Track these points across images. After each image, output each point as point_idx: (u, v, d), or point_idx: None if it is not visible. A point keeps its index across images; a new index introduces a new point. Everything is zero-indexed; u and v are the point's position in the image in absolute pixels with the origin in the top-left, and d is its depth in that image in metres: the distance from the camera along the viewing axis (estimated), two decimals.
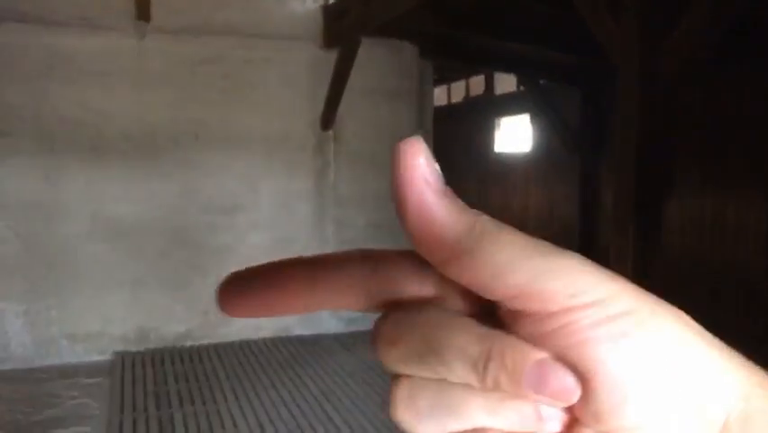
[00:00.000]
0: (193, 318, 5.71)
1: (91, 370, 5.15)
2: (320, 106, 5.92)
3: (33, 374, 5.06)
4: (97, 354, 5.39)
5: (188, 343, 5.71)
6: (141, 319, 5.56)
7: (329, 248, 6.12)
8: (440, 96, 10.09)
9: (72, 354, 5.33)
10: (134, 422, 4.17)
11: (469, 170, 9.92)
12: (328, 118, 5.91)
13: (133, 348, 5.52)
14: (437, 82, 8.85)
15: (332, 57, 5.71)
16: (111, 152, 5.36)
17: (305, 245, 6.07)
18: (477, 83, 9.72)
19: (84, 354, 5.36)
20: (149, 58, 5.40)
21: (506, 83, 8.97)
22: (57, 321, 5.30)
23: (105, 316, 5.43)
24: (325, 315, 6.18)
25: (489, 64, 7.67)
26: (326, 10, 5.77)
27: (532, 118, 8.48)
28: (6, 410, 4.39)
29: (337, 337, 6.02)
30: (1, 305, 5.14)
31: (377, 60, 6.01)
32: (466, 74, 9.71)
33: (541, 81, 7.61)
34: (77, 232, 5.29)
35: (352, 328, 6.21)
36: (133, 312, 5.52)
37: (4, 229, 5.11)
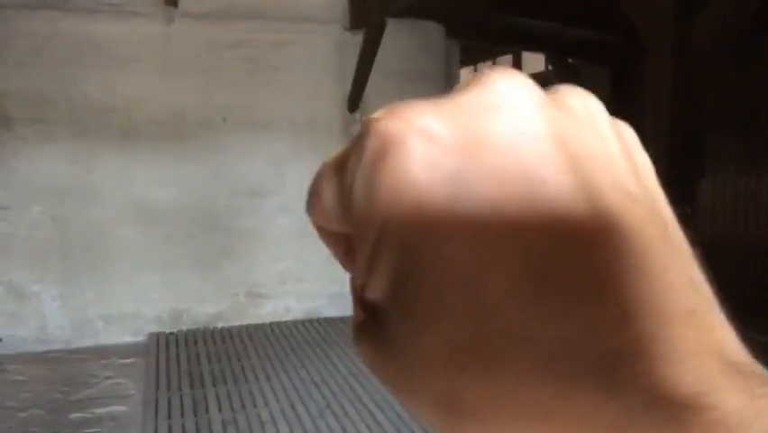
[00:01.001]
0: (223, 300, 5.81)
1: (126, 351, 5.28)
2: (347, 89, 5.91)
3: (71, 355, 5.21)
4: (132, 336, 5.52)
5: (220, 324, 5.81)
6: (174, 301, 5.67)
7: None
8: (467, 77, 9.99)
9: (108, 336, 5.47)
10: (169, 401, 4.28)
11: None
12: (354, 101, 5.91)
13: (167, 329, 5.64)
14: (464, 63, 8.77)
15: (358, 39, 5.70)
16: (141, 136, 5.44)
17: None
18: (505, 63, 9.61)
19: (119, 335, 5.50)
20: (176, 43, 5.44)
21: (534, 63, 8.85)
22: (92, 303, 5.43)
23: (139, 298, 5.55)
24: None
25: (516, 43, 7.56)
26: None
27: None
28: (45, 390, 4.54)
29: None
30: (38, 288, 5.28)
31: (403, 42, 5.97)
32: (493, 54, 9.60)
33: (570, 60, 7.49)
34: (110, 216, 5.40)
35: None
36: (165, 294, 5.63)
37: (40, 214, 5.23)
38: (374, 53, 5.47)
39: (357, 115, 6.06)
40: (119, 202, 5.43)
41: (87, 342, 5.41)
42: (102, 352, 5.25)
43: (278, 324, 5.91)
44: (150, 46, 5.38)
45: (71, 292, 5.37)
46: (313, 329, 5.78)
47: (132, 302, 5.53)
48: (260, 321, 5.91)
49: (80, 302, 5.40)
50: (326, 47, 5.88)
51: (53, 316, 5.35)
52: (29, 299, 5.28)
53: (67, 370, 4.90)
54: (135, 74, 5.34)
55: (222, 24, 5.50)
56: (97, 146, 5.32)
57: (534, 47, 7.34)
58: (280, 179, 5.91)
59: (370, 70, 5.64)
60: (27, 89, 5.09)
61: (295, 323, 5.94)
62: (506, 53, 9.25)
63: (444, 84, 6.30)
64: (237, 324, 5.84)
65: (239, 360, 5.01)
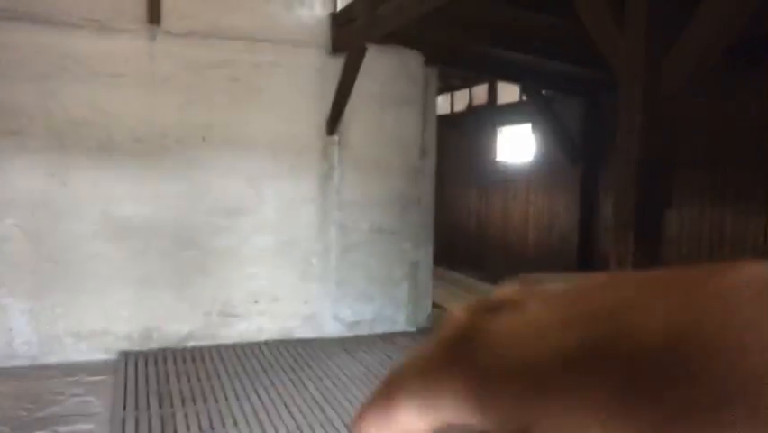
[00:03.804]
0: (196, 319, 5.77)
1: (95, 368, 5.20)
2: (327, 111, 5.99)
3: (37, 372, 5.11)
4: (101, 353, 5.44)
5: (191, 343, 5.76)
6: (146, 319, 5.61)
7: (332, 252, 6.19)
8: (443, 104, 10.16)
9: (76, 353, 5.38)
10: (137, 420, 4.23)
11: (470, 178, 9.98)
12: (334, 123, 5.98)
13: (137, 348, 5.58)
14: (441, 90, 8.92)
15: (339, 62, 5.79)
16: (120, 152, 5.42)
17: (308, 249, 6.14)
18: (480, 92, 9.79)
19: (88, 352, 5.42)
20: (158, 60, 5.47)
21: (508, 93, 9.05)
22: (62, 319, 5.35)
23: (110, 315, 5.49)
24: (327, 318, 6.24)
25: (492, 73, 7.74)
26: (334, 17, 5.85)
27: (534, 128, 8.55)
28: (10, 407, 4.45)
29: (339, 341, 6.07)
30: (7, 301, 5.19)
31: (383, 67, 6.08)
32: (470, 83, 9.79)
33: (543, 91, 7.69)
34: (84, 231, 5.35)
35: (354, 332, 6.26)
36: (138, 312, 5.58)
37: (12, 227, 5.17)
38: (354, 77, 5.57)
39: (335, 137, 6.13)
40: (94, 217, 5.39)
41: (55, 358, 5.32)
42: (70, 369, 5.17)
43: (251, 344, 5.88)
44: (132, 63, 5.40)
45: (41, 307, 5.29)
46: (285, 350, 5.77)
47: (102, 319, 5.47)
48: (232, 341, 5.88)
49: (49, 317, 5.32)
50: (308, 69, 5.96)
51: (20, 330, 5.26)
52: None
53: (32, 386, 4.81)
54: (116, 90, 5.34)
55: (205, 44, 5.55)
56: (75, 160, 5.29)
57: (509, 77, 7.53)
58: (258, 198, 5.93)
59: (349, 94, 5.73)
60: (5, 101, 5.05)
61: (267, 343, 5.92)
62: (482, 82, 9.44)
63: (422, 110, 6.42)
64: (209, 343, 5.79)
65: (209, 380, 4.98)
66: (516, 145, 9.15)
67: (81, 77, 5.23)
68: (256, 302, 5.98)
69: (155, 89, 5.48)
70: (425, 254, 6.61)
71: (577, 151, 7.55)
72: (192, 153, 5.66)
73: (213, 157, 5.72)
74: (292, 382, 4.96)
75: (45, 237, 5.26)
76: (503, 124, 9.37)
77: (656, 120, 2.68)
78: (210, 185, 5.74)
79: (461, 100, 10.38)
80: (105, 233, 5.41)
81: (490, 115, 9.51)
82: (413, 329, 6.50)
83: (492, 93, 9.54)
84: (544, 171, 8.39)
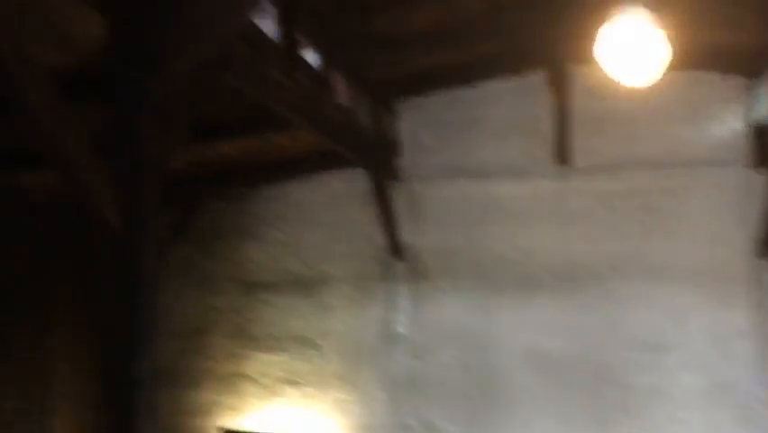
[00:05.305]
0: None
1: None
2: (751, 233, 5.34)
3: None
4: None
5: None
6: None
7: None
8: None
9: None
10: None
11: None
12: (766, 245, 5.27)
13: None
14: None
15: (763, 178, 5.22)
16: (535, 285, 5.68)
17: (746, 392, 5.25)
18: None
19: None
20: (568, 197, 5.72)
21: None
22: None
23: None
24: None
25: None
26: (755, 129, 5.35)
27: None
28: None
29: None
30: (443, 424, 5.63)
31: None
32: None
33: None
34: (509, 362, 5.63)
35: None
36: None
37: (452, 358, 5.74)
38: None
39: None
40: (515, 349, 5.65)
41: None
42: None
43: None
44: (544, 202, 5.76)
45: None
46: None
47: None
48: None
49: None
50: (725, 189, 5.48)
51: None
52: None
53: None
54: (531, 228, 5.73)
55: (613, 176, 5.62)
56: (497, 295, 5.74)
57: None
58: (680, 331, 5.43)
59: None
60: (441, 246, 5.84)
61: None
62: None
63: None
64: None
65: None
66: None
67: (501, 219, 5.78)
68: None
69: (566, 224, 5.70)
70: None
71: None
72: (605, 284, 5.59)
73: (627, 288, 5.55)
74: None
75: (474, 367, 5.65)
76: None
77: None
78: (625, 317, 5.53)
79: None
80: (527, 365, 5.58)
81: None
82: None
83: None
84: None
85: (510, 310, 5.69)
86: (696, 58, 5.11)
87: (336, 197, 6.11)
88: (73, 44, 3.04)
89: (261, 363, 6.17)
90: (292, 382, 6.09)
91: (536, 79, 5.67)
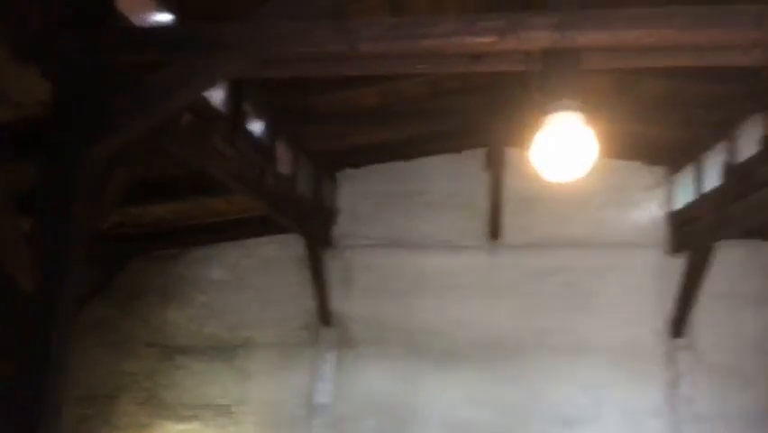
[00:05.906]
0: None
1: None
2: (667, 313, 5.61)
3: None
4: None
5: None
6: None
7: None
8: None
9: None
10: None
11: None
12: (679, 325, 5.55)
13: None
14: None
15: (679, 262, 5.51)
16: (461, 357, 5.73)
17: None
18: None
19: None
20: (497, 271, 5.85)
21: None
22: None
23: None
24: None
25: None
26: (673, 216, 5.70)
27: None
28: None
29: None
30: None
31: (735, 262, 5.57)
32: None
33: None
34: None
35: None
36: None
37: (372, 427, 5.65)
38: (700, 276, 5.21)
39: (682, 340, 5.62)
40: (435, 420, 5.61)
41: None
42: None
43: None
44: (475, 275, 5.86)
45: None
46: None
47: None
48: None
49: None
50: (645, 271, 5.76)
51: None
52: None
53: None
54: (461, 300, 5.80)
55: (540, 253, 5.80)
56: (422, 366, 5.72)
57: None
58: (596, 407, 5.59)
59: (696, 294, 5.34)
60: (371, 316, 5.82)
61: None
62: None
63: None
64: None
65: None
66: None
67: (432, 290, 5.83)
68: None
69: (494, 298, 5.81)
70: None
71: None
72: (529, 358, 5.70)
73: (549, 362, 5.68)
74: None
75: None
76: None
77: None
78: (546, 391, 5.65)
79: None
80: None
81: None
82: None
83: None
84: None
85: (434, 381, 5.68)
86: (623, 148, 5.43)
87: (269, 261, 5.99)
88: (12, 102, 2.93)
89: None
90: None
91: (474, 158, 5.87)
